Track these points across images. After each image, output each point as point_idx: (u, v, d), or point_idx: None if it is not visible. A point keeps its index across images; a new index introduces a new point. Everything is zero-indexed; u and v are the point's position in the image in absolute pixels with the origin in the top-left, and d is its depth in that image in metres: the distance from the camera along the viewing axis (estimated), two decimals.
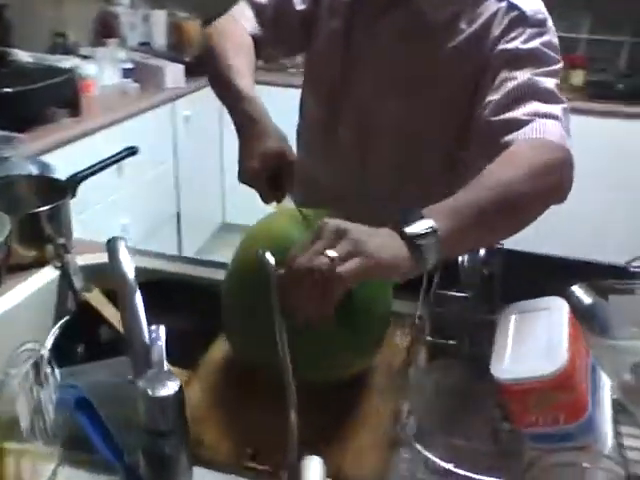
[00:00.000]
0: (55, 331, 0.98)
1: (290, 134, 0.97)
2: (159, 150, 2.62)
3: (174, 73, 2.66)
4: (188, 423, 0.63)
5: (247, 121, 0.91)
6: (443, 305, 0.81)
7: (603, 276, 0.91)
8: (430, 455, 0.66)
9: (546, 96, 0.87)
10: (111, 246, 0.76)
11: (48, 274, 1.06)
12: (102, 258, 0.92)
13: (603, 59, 3.01)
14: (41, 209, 1.05)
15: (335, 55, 1.06)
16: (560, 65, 0.92)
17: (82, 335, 1.03)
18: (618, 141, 2.66)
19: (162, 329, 0.71)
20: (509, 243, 0.83)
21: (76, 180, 1.18)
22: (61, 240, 1.07)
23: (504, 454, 0.74)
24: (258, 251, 0.64)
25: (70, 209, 1.12)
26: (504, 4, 0.95)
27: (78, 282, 1.05)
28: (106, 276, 0.82)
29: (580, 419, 0.66)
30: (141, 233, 2.50)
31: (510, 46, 0.92)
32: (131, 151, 1.37)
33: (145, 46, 2.94)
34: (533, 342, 0.69)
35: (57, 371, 0.75)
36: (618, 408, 0.76)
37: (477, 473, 0.65)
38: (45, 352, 0.75)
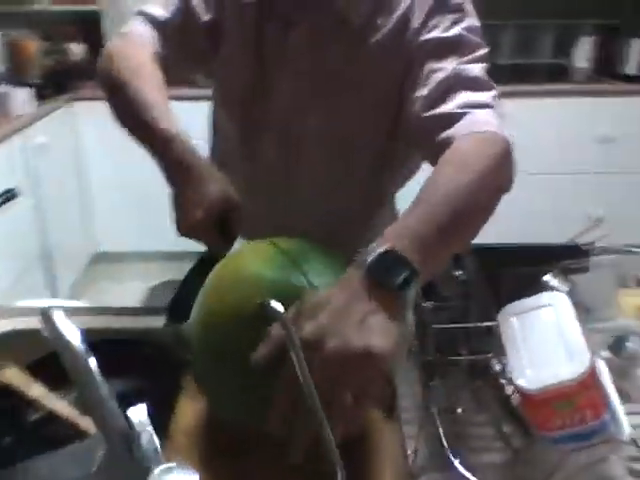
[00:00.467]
0: None
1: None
2: (13, 185, 2.35)
3: (21, 98, 2.39)
4: None
5: (179, 167, 0.82)
6: (431, 320, 0.77)
7: (558, 258, 0.92)
8: None
9: (474, 84, 0.85)
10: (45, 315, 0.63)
11: None
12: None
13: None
14: None
15: (246, 64, 0.98)
16: (486, 49, 0.91)
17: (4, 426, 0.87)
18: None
19: (143, 409, 0.61)
20: None
21: None
22: None
23: (520, 463, 0.71)
24: (265, 301, 0.56)
25: None
26: None
27: None
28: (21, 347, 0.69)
29: (605, 413, 0.65)
30: (8, 279, 2.23)
31: (431, 36, 0.90)
32: (9, 195, 1.20)
33: None
34: (548, 344, 0.66)
35: None
36: None
37: None
38: None
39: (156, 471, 0.52)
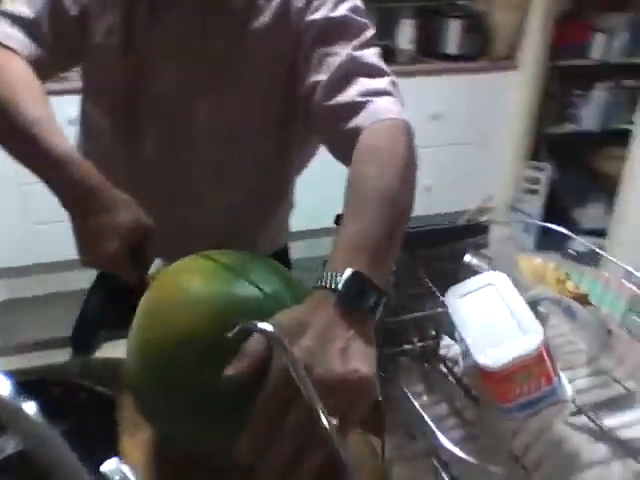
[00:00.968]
0: None
1: None
2: None
3: None
4: None
5: (79, 192, 0.76)
6: None
7: (461, 237, 0.97)
8: None
9: (371, 71, 0.86)
10: None
11: None
12: None
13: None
14: None
15: (117, 57, 0.91)
16: (372, 31, 0.91)
17: None
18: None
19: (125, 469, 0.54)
20: None
21: None
22: None
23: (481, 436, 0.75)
24: (246, 323, 0.52)
25: None
26: None
27: None
28: None
29: (554, 378, 0.70)
30: None
31: (318, 16, 0.88)
32: None
33: None
34: (500, 322, 0.70)
35: None
36: None
37: None
38: None
39: None
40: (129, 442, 0.72)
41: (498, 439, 0.71)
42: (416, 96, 2.98)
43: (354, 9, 0.90)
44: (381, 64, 0.88)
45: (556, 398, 0.71)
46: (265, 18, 0.90)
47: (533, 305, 0.89)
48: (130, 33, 0.90)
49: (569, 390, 0.72)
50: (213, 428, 0.61)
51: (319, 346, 0.54)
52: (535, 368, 0.68)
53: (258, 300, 0.62)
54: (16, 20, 0.85)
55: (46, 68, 0.86)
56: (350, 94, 0.83)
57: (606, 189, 3.25)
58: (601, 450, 0.73)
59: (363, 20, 0.90)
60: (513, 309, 0.70)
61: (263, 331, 0.52)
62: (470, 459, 0.60)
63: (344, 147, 0.81)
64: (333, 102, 0.84)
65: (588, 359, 0.84)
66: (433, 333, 0.78)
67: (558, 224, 1.00)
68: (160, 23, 0.90)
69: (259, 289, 0.63)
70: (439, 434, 0.62)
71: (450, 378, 0.77)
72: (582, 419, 0.76)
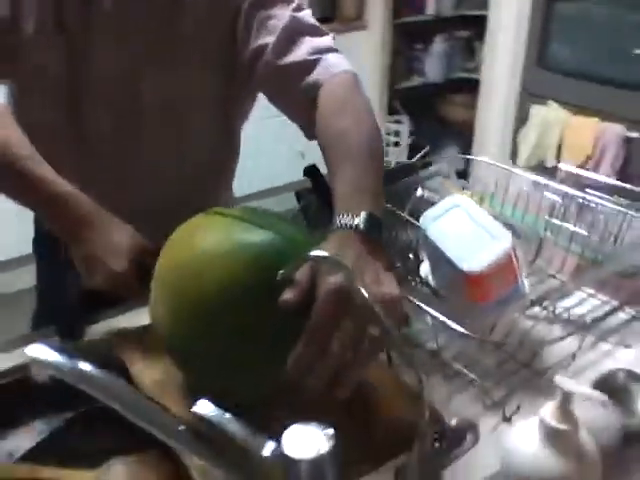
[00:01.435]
0: None
1: None
2: None
3: None
4: None
5: (78, 220, 0.80)
6: None
7: (401, 177, 1.08)
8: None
9: (314, 30, 0.93)
10: None
11: None
12: None
13: None
14: None
15: (52, 45, 0.89)
16: None
17: None
18: None
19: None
20: None
21: None
22: None
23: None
24: (307, 254, 0.58)
25: None
26: None
27: None
28: None
29: (520, 275, 0.83)
30: None
31: None
32: None
33: None
34: (473, 234, 0.81)
35: None
36: None
37: None
38: None
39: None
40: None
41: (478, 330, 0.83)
42: None
43: None
44: (318, 24, 0.95)
45: (521, 294, 0.84)
46: None
47: None
48: (63, 18, 0.88)
49: (527, 287, 0.86)
50: (258, 369, 0.66)
51: (357, 276, 0.61)
52: (507, 269, 0.80)
53: (280, 244, 0.68)
54: None
55: None
56: (300, 53, 0.89)
57: (456, 135, 3.55)
58: (556, 330, 0.88)
59: None
60: (481, 222, 0.81)
61: (321, 257, 0.58)
62: (472, 334, 0.71)
63: (303, 103, 0.87)
64: (285, 62, 0.89)
65: (527, 262, 0.99)
66: (411, 257, 0.88)
67: None
68: (94, 2, 0.88)
69: (277, 234, 0.69)
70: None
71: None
72: (535, 309, 0.91)
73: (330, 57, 0.90)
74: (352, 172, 0.73)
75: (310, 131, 0.88)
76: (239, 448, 0.56)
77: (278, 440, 0.50)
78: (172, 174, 1.02)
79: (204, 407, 0.57)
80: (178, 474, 0.69)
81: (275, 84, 0.93)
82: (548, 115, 2.60)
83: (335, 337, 0.59)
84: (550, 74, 2.63)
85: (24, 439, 0.77)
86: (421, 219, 0.85)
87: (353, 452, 0.48)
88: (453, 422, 0.67)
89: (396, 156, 3.38)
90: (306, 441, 0.49)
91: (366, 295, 0.57)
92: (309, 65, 0.88)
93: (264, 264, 0.64)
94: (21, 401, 0.79)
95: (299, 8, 0.93)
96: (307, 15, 0.93)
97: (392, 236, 0.87)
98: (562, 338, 0.86)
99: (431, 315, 0.73)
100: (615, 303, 0.93)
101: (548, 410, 0.54)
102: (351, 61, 0.91)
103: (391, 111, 3.51)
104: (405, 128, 3.44)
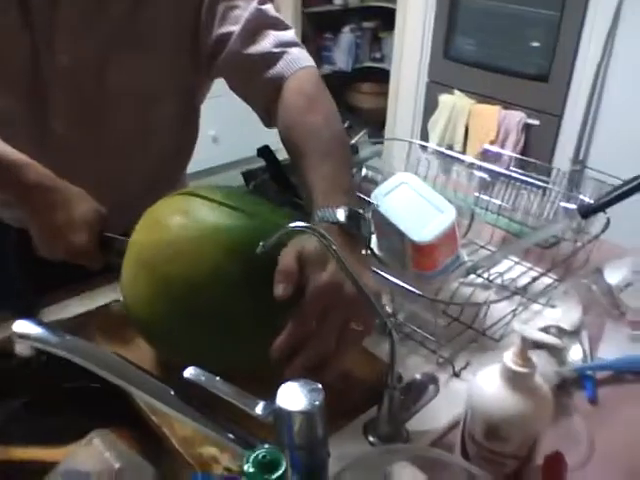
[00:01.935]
0: None
1: None
2: None
3: None
4: None
5: (38, 191, 0.79)
6: None
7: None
8: None
9: (278, 23, 0.95)
10: None
11: None
12: None
13: None
14: None
15: (14, 35, 0.87)
16: None
17: None
18: None
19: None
20: None
21: None
22: None
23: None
24: (298, 225, 0.61)
25: None
26: None
27: None
28: None
29: (459, 245, 0.91)
30: None
31: None
32: None
33: None
34: (421, 208, 0.88)
35: None
36: None
37: None
38: None
39: None
40: None
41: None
42: None
43: None
44: (281, 17, 0.97)
45: (460, 261, 0.92)
46: None
47: None
48: (26, 8, 0.86)
49: (465, 256, 0.94)
50: (243, 346, 0.70)
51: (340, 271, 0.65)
52: (451, 239, 0.88)
53: (257, 224, 0.71)
54: None
55: None
56: (265, 45, 0.91)
57: (366, 122, 3.66)
58: (492, 294, 0.97)
59: None
60: (427, 197, 0.88)
61: (303, 227, 0.62)
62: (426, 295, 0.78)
63: (265, 94, 0.90)
64: (250, 52, 0.91)
65: (461, 235, 1.07)
66: None
67: None
68: None
69: (247, 214, 0.72)
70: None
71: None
72: (471, 277, 0.99)
73: (293, 51, 0.92)
74: (330, 168, 0.77)
75: (270, 120, 0.91)
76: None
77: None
78: (138, 159, 1.02)
79: (194, 372, 0.61)
80: (159, 446, 0.72)
81: (238, 73, 0.94)
82: (455, 103, 2.75)
83: (320, 327, 0.64)
84: (455, 65, 2.78)
85: None
86: (372, 195, 0.91)
87: (330, 410, 0.54)
88: (417, 376, 0.73)
89: None
90: (298, 396, 0.54)
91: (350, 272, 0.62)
92: (273, 57, 0.90)
93: (241, 248, 0.68)
94: None
95: (263, 1, 0.94)
96: (270, 8, 0.95)
97: None
98: (499, 300, 0.94)
99: (388, 280, 0.79)
100: (539, 269, 1.03)
101: (509, 356, 0.61)
102: None
103: None
104: None
